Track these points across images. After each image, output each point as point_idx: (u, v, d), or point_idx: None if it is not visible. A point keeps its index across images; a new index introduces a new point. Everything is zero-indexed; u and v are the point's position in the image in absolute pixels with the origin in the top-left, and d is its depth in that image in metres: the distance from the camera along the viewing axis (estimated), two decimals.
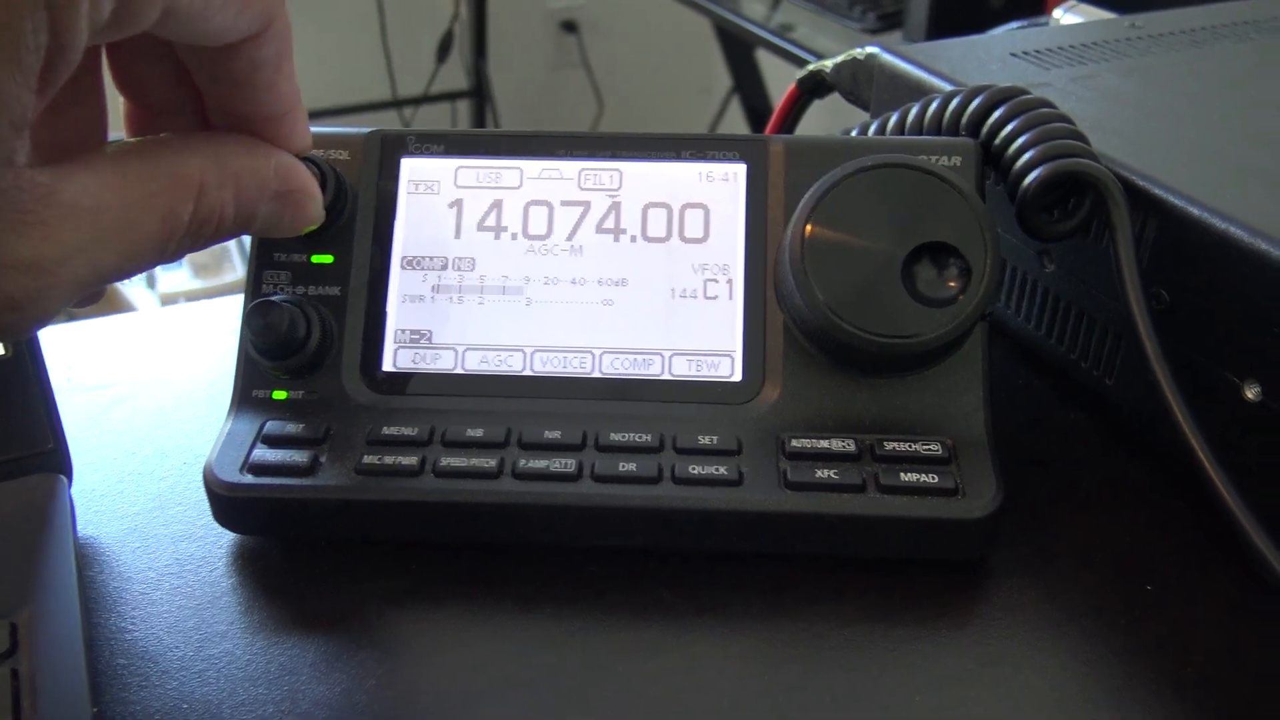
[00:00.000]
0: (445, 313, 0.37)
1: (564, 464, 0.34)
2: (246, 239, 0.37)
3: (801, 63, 1.32)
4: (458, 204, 0.38)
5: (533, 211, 0.38)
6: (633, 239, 0.37)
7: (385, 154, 0.38)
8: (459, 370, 0.37)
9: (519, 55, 2.35)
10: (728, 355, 0.36)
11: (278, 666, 0.31)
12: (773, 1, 1.45)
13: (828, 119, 0.70)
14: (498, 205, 0.38)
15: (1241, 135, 0.40)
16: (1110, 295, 0.38)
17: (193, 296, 1.69)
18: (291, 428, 0.35)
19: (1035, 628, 0.32)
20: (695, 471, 0.33)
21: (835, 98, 0.55)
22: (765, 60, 1.74)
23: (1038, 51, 0.48)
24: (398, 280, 0.37)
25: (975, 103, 0.38)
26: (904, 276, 0.34)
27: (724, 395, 0.36)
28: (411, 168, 0.38)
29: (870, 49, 0.49)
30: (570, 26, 2.39)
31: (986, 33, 0.56)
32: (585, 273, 0.37)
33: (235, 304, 0.39)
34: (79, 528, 0.35)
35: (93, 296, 0.29)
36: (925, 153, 0.37)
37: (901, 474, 0.33)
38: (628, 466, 0.34)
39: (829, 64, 0.52)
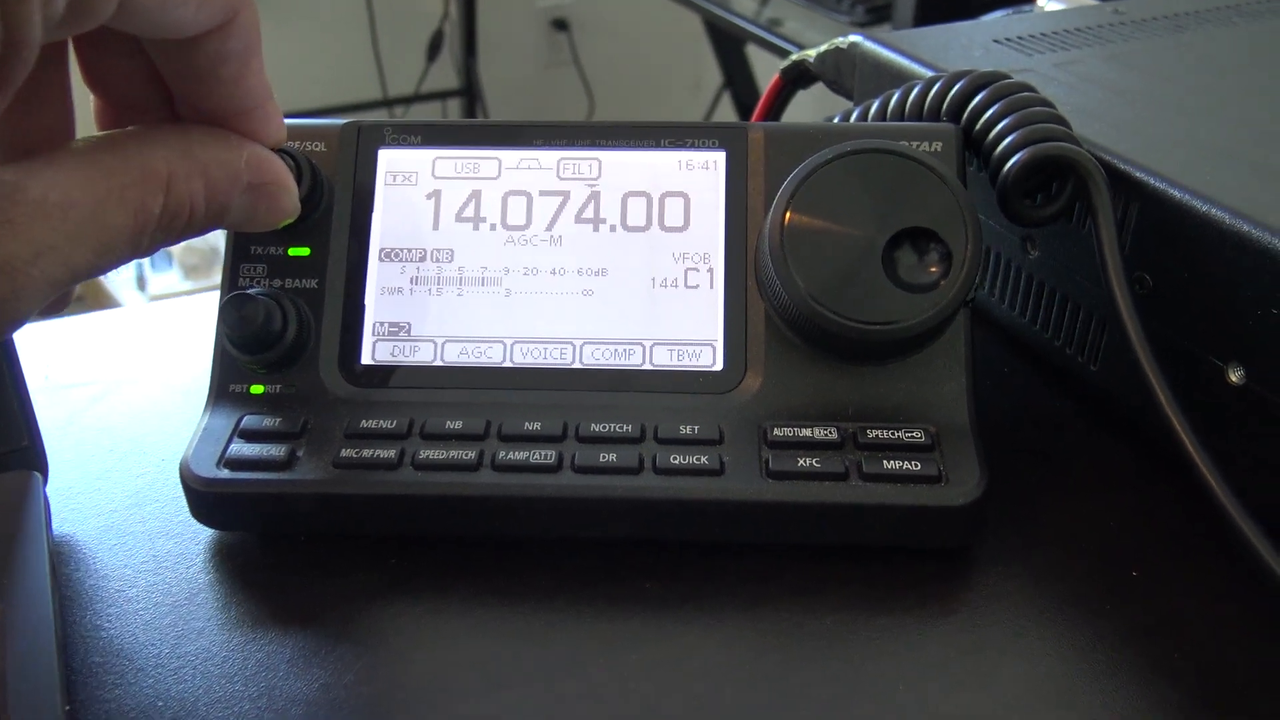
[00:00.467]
0: (424, 305, 0.37)
1: (544, 455, 0.33)
2: None
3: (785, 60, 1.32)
4: (435, 195, 0.38)
5: (511, 202, 0.37)
6: (612, 228, 0.37)
7: (362, 145, 0.38)
8: (438, 362, 0.36)
9: (509, 54, 2.34)
10: (709, 345, 0.36)
11: (255, 663, 0.30)
12: None
13: (814, 111, 0.70)
14: (476, 196, 0.38)
15: (1224, 120, 0.39)
16: (1093, 280, 0.37)
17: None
18: (269, 422, 0.35)
19: (1020, 615, 0.32)
20: (677, 461, 0.33)
21: (820, 88, 0.55)
22: (756, 55, 1.74)
23: (1020, 38, 0.48)
24: (376, 272, 0.37)
25: (956, 88, 0.38)
26: (885, 263, 0.34)
27: (705, 385, 0.35)
28: (389, 159, 0.38)
29: (853, 38, 0.49)
30: (561, 24, 2.38)
31: (969, 21, 0.55)
32: (565, 263, 0.37)
33: (213, 300, 0.39)
34: (54, 525, 0.35)
35: (60, 301, 0.28)
36: (906, 138, 0.36)
37: (884, 461, 0.33)
38: (609, 457, 0.33)
39: (812, 54, 0.52)
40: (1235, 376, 0.33)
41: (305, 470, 0.33)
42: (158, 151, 0.26)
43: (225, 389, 0.36)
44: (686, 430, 0.34)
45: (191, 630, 0.31)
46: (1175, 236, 0.34)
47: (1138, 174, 0.35)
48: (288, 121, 0.32)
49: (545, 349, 0.36)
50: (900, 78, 0.45)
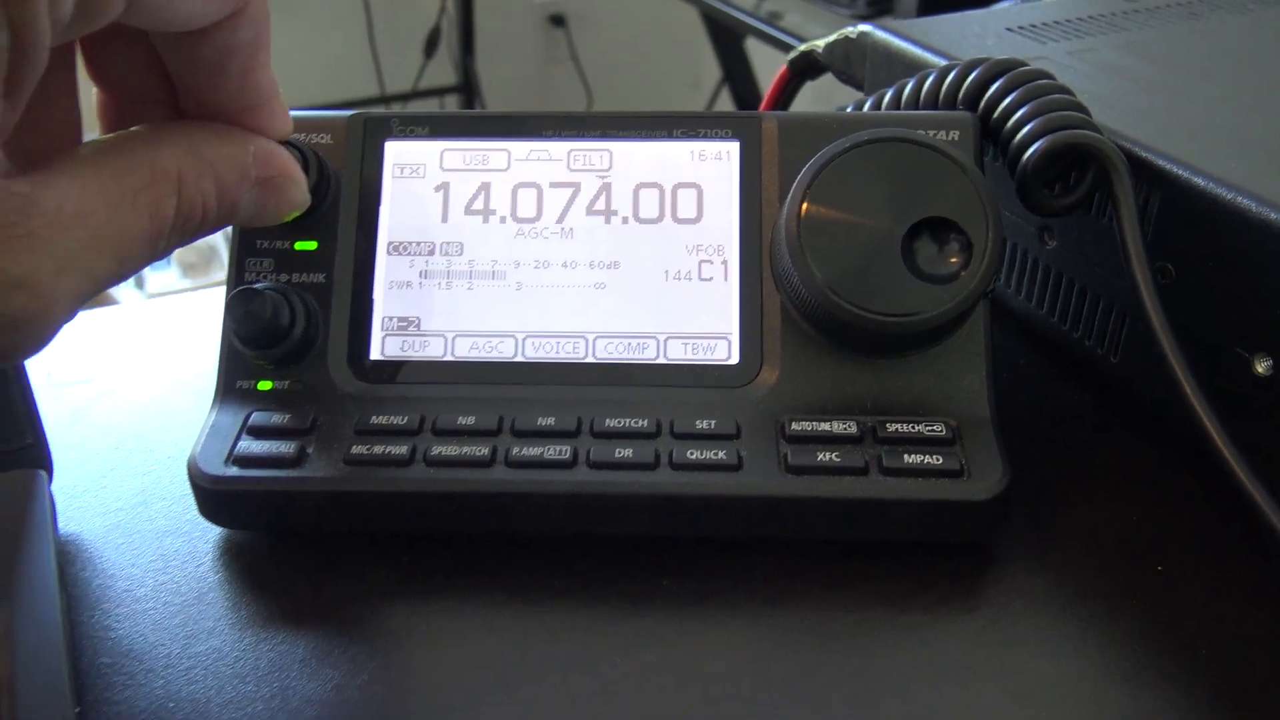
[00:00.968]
0: (433, 299, 0.36)
1: (558, 451, 0.33)
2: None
3: (792, 51, 1.32)
4: (444, 187, 0.37)
5: (521, 194, 0.37)
6: (624, 220, 0.37)
7: (368, 137, 0.37)
8: (449, 357, 0.36)
9: (507, 50, 2.34)
10: (724, 338, 0.35)
11: (267, 663, 0.30)
12: None
13: (820, 104, 0.69)
14: (485, 188, 0.37)
15: (1244, 107, 0.39)
16: (1114, 271, 0.37)
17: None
18: (277, 418, 0.34)
19: (1045, 611, 0.31)
20: (693, 456, 0.33)
21: (826, 80, 0.54)
22: (755, 50, 1.73)
23: (1033, 26, 0.47)
24: (384, 266, 0.36)
25: (972, 76, 0.37)
26: (904, 253, 0.33)
27: (721, 378, 0.35)
28: (396, 151, 0.37)
29: (863, 27, 0.49)
30: (558, 20, 2.37)
31: (980, 9, 0.55)
32: (576, 256, 0.36)
33: (218, 296, 0.38)
34: (60, 525, 0.34)
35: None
36: (923, 127, 0.36)
37: (905, 456, 0.32)
38: (624, 453, 0.33)
39: (821, 44, 0.52)
40: (1262, 367, 0.32)
41: (315, 467, 0.33)
42: (165, 151, 0.26)
43: (232, 385, 0.35)
44: (703, 425, 0.34)
45: (202, 630, 0.31)
46: (1199, 225, 0.34)
47: (1159, 162, 0.35)
48: (293, 113, 0.31)
49: (557, 343, 0.36)
50: (912, 67, 0.44)
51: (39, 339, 0.23)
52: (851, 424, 0.34)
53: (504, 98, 2.32)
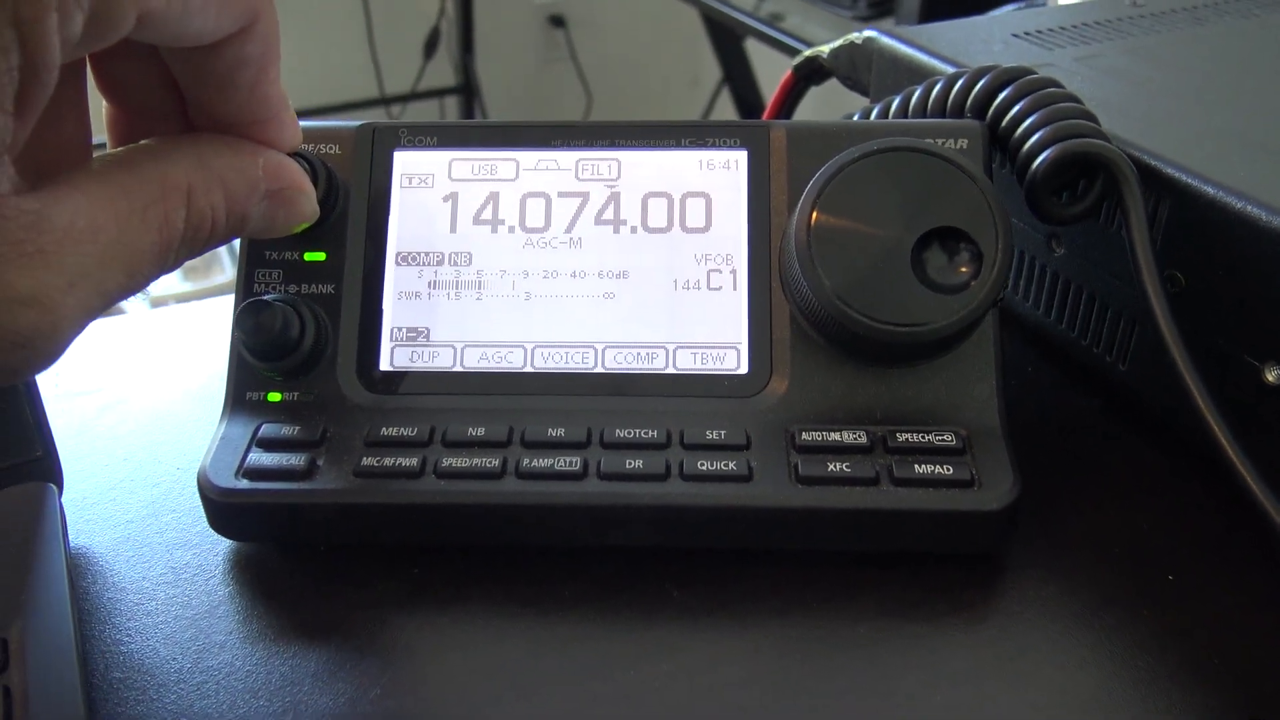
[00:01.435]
0: (442, 309, 0.36)
1: (569, 462, 0.33)
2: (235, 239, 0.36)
3: (793, 52, 1.31)
4: (452, 197, 0.37)
5: (530, 203, 0.37)
6: (633, 230, 0.37)
7: (377, 147, 0.37)
8: (458, 368, 0.36)
9: (507, 51, 2.33)
10: (733, 347, 0.35)
11: (279, 677, 0.30)
12: None
13: (823, 109, 0.69)
14: (494, 198, 0.37)
15: (1252, 113, 0.39)
16: (1122, 278, 0.37)
17: (183, 299, 1.67)
18: (287, 430, 0.34)
19: (1056, 621, 0.31)
20: (704, 467, 0.33)
21: (831, 85, 0.54)
22: (755, 50, 1.73)
23: (1039, 32, 0.47)
24: (393, 277, 0.36)
25: (981, 84, 0.37)
26: (914, 263, 0.33)
27: (731, 388, 0.35)
28: (404, 161, 0.37)
29: (868, 33, 0.49)
30: (558, 21, 2.37)
31: (985, 15, 0.55)
32: (585, 265, 0.36)
33: (226, 305, 0.39)
34: (70, 538, 0.34)
35: None
36: (931, 136, 0.36)
37: (915, 466, 0.32)
38: (634, 463, 0.33)
39: (826, 49, 0.51)
40: (1272, 376, 0.32)
41: (326, 480, 0.33)
42: (175, 165, 0.26)
43: (242, 397, 0.35)
44: (713, 435, 0.34)
45: (213, 644, 0.31)
46: (1208, 233, 0.34)
47: (1168, 170, 0.35)
48: (302, 124, 0.31)
49: (566, 353, 0.36)
50: (918, 73, 0.44)
51: (49, 355, 0.23)
52: (861, 434, 0.34)
53: (504, 99, 2.32)
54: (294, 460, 0.33)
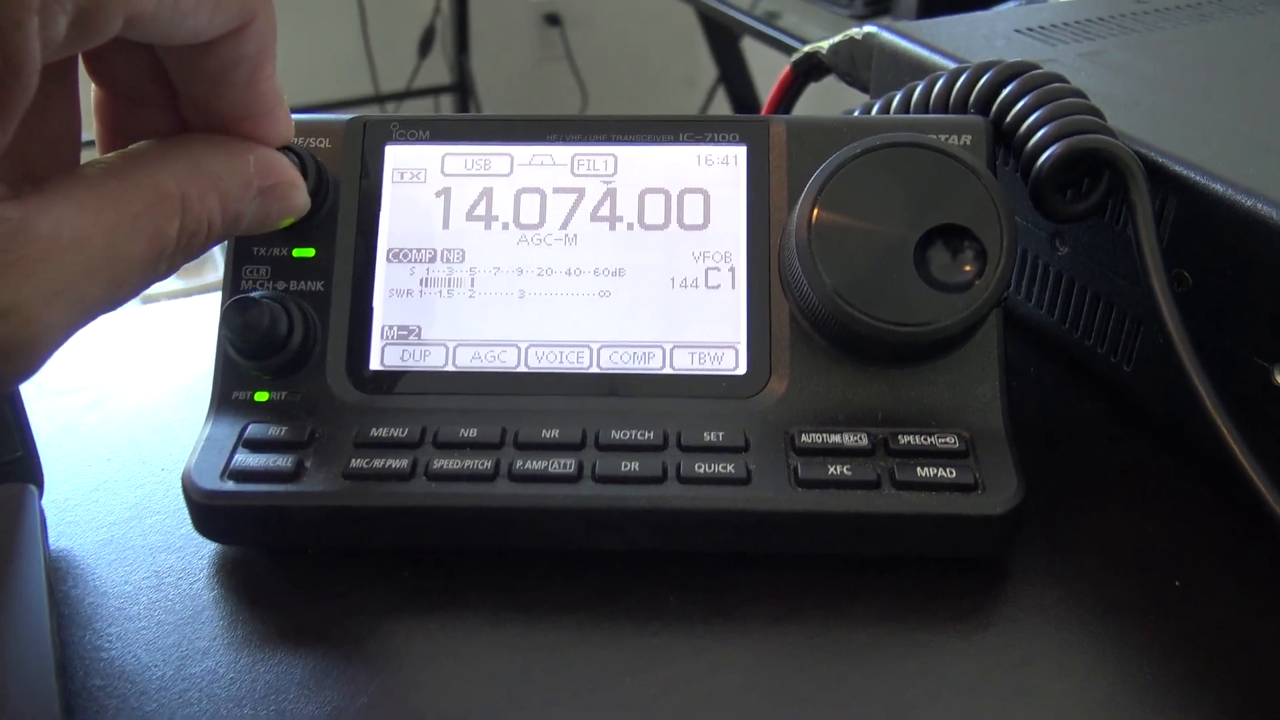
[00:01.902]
0: (434, 307, 0.35)
1: (563, 464, 0.32)
2: None
3: (790, 51, 1.31)
4: (445, 193, 0.36)
5: (524, 199, 0.36)
6: (629, 226, 0.36)
7: (368, 142, 0.36)
8: (450, 367, 0.35)
9: (502, 49, 2.32)
10: (731, 347, 0.35)
11: (264, 685, 0.29)
12: None
13: (822, 105, 0.68)
14: (487, 193, 0.36)
15: (1259, 110, 0.38)
16: (1128, 278, 0.36)
17: (175, 297, 1.66)
18: (274, 431, 0.33)
19: (1060, 628, 0.31)
20: (701, 470, 0.32)
21: (829, 82, 0.54)
22: (751, 49, 1.73)
23: (1042, 28, 0.46)
24: (384, 274, 0.35)
25: (984, 79, 0.37)
26: (916, 261, 0.32)
27: (729, 389, 0.34)
28: (396, 155, 0.36)
29: (869, 28, 0.48)
30: (553, 19, 2.36)
31: (988, 10, 0.54)
32: (581, 263, 0.35)
33: (214, 302, 0.38)
34: (50, 540, 0.34)
35: None
36: (934, 132, 0.35)
37: (918, 469, 0.32)
38: (630, 466, 0.32)
39: (825, 45, 0.51)
40: None
41: (313, 482, 0.32)
42: (168, 171, 0.26)
43: (228, 396, 0.34)
44: (710, 437, 0.33)
45: (196, 650, 0.30)
46: (1216, 232, 0.33)
47: (1176, 167, 0.34)
48: (293, 117, 0.31)
49: (561, 352, 0.35)
50: (919, 69, 0.44)
51: (28, 367, 0.23)
52: (862, 436, 0.33)
53: (499, 97, 2.31)
54: (281, 462, 0.32)
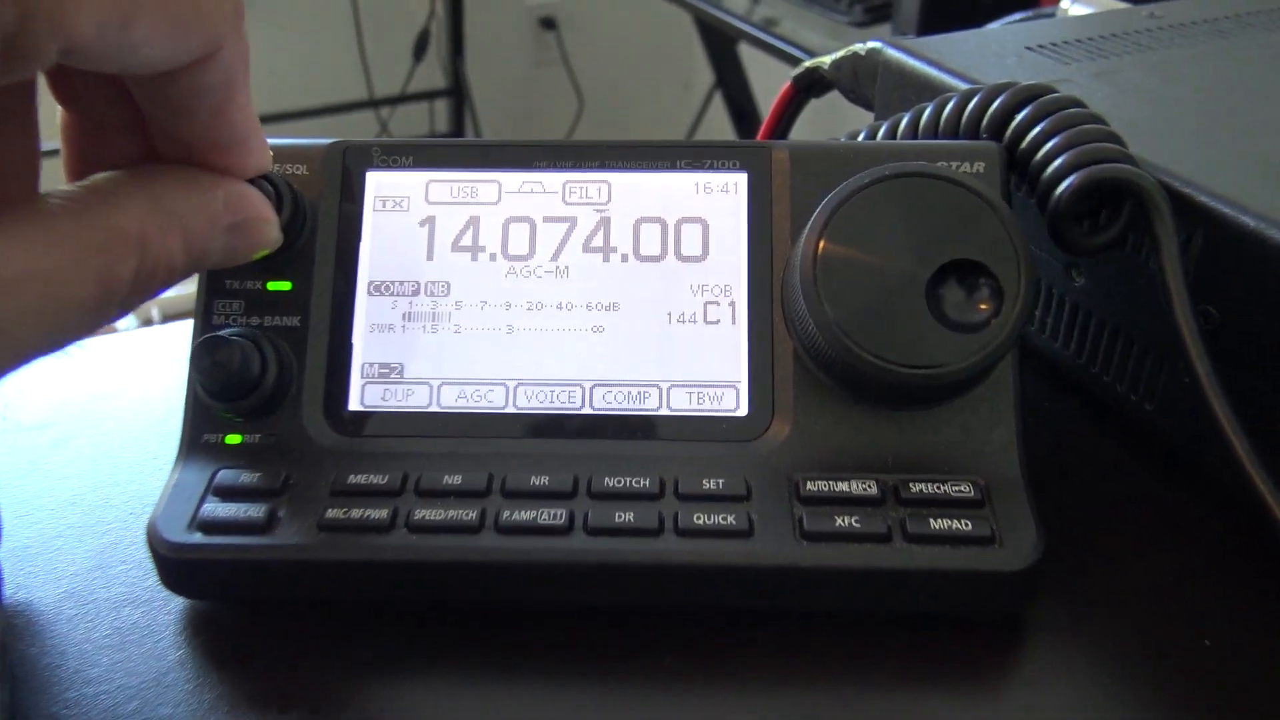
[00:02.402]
0: (418, 344, 0.33)
1: (553, 515, 0.30)
2: None
3: (786, 57, 1.29)
4: (429, 222, 0.34)
5: (513, 229, 0.34)
6: (624, 258, 0.34)
7: (348, 168, 0.34)
8: (434, 408, 0.33)
9: (497, 53, 2.30)
10: (732, 386, 0.33)
11: None
12: None
13: (823, 121, 0.66)
14: (474, 223, 0.34)
15: None
16: (1149, 312, 0.34)
17: (167, 307, 1.64)
18: (246, 477, 0.31)
19: (1081, 692, 0.29)
20: (700, 521, 0.30)
21: (832, 97, 0.52)
22: (748, 55, 1.71)
23: (1053, 45, 0.45)
24: (364, 308, 0.34)
25: (997, 102, 0.35)
26: (929, 299, 0.30)
27: (729, 432, 0.32)
28: (377, 182, 0.34)
29: (873, 44, 0.46)
30: (549, 23, 2.35)
31: (996, 23, 0.52)
32: (572, 297, 0.34)
33: (188, 329, 0.36)
34: (7, 593, 0.32)
35: None
36: (944, 158, 0.33)
37: (931, 520, 0.30)
38: (625, 517, 0.30)
39: (827, 60, 0.49)
40: None
41: (287, 534, 0.30)
42: (126, 209, 0.24)
43: (198, 439, 0.32)
44: (710, 485, 0.31)
45: (159, 718, 0.28)
46: (1246, 267, 0.31)
47: (1202, 198, 0.32)
48: (269, 142, 0.29)
49: (552, 392, 0.33)
50: (927, 88, 0.42)
51: None
52: (871, 483, 0.31)
53: (494, 101, 2.29)
54: (252, 512, 0.30)
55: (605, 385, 0.33)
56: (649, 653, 0.30)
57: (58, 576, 0.33)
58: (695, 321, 0.33)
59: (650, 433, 0.32)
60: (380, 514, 0.30)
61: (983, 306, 0.30)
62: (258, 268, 0.33)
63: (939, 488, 0.31)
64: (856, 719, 0.28)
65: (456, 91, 2.24)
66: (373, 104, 2.21)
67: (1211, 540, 0.34)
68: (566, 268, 0.34)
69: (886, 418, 0.32)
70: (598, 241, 0.34)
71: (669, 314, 0.33)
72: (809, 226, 0.31)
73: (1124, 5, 0.53)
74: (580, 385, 0.33)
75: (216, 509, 0.30)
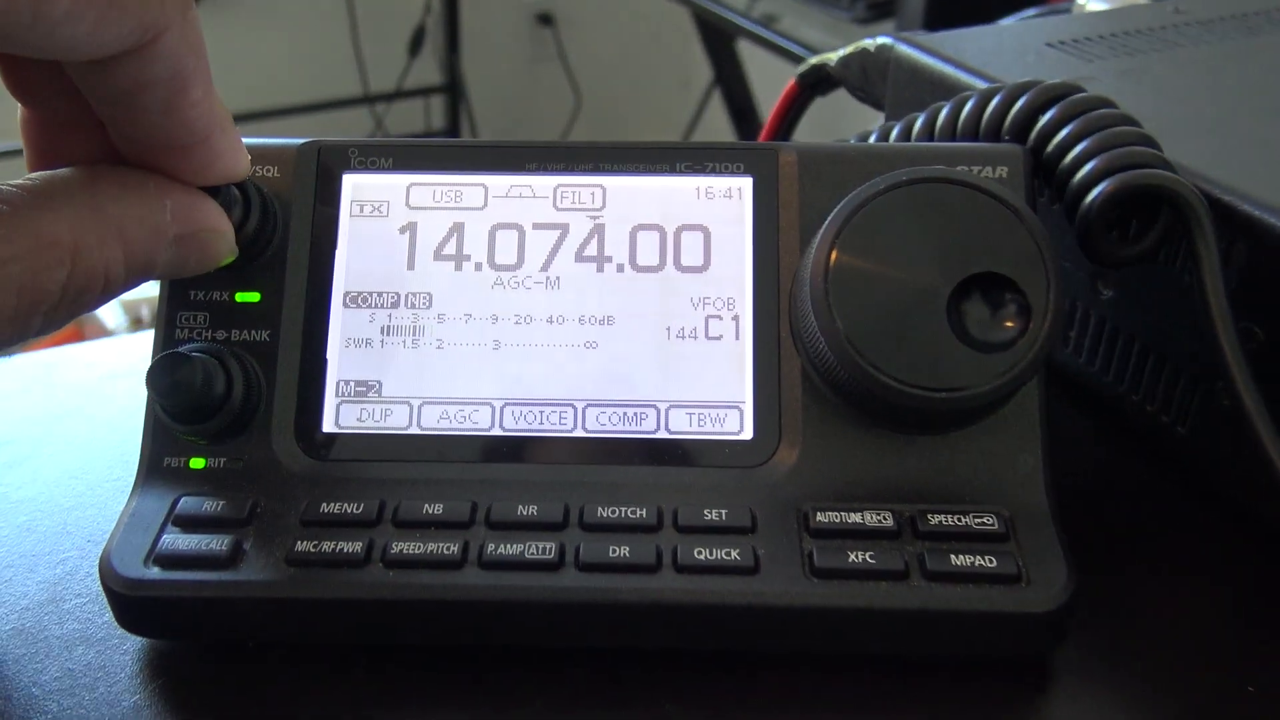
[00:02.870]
0: (397, 360, 0.31)
1: (542, 549, 0.28)
2: None
3: (787, 54, 1.27)
4: (410, 228, 0.32)
5: (500, 237, 0.32)
6: (619, 268, 0.31)
7: (323, 170, 0.32)
8: (414, 429, 0.30)
9: (493, 49, 2.28)
10: (735, 407, 0.30)
11: None
12: None
13: (828, 120, 0.64)
14: (458, 229, 0.32)
15: None
16: (1183, 328, 0.32)
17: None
18: (210, 506, 0.29)
19: None
20: (701, 557, 0.28)
21: (836, 96, 0.49)
22: (747, 51, 1.68)
23: (1075, 41, 0.42)
24: (339, 321, 0.31)
25: (1021, 102, 0.33)
26: (950, 315, 0.28)
27: (732, 457, 0.30)
28: (355, 186, 0.32)
29: (883, 39, 0.44)
30: (546, 19, 2.32)
31: (1011, 18, 0.50)
32: (564, 309, 0.31)
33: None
34: None
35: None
36: (965, 162, 0.31)
37: (951, 556, 0.27)
38: (619, 551, 0.28)
39: (834, 57, 0.46)
40: None
41: (253, 569, 0.28)
42: (61, 215, 0.22)
43: (158, 463, 0.30)
44: (712, 515, 0.29)
45: None
46: None
47: (1245, 207, 0.30)
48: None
49: (541, 412, 0.30)
50: (941, 87, 0.39)
51: None
52: (886, 514, 0.29)
53: (490, 98, 2.26)
54: (215, 544, 0.28)
55: (599, 406, 0.30)
56: (647, 699, 0.28)
57: (6, 611, 0.30)
58: (696, 337, 0.31)
59: (647, 458, 0.30)
60: (354, 547, 0.28)
61: (1009, 324, 0.28)
62: (225, 277, 0.31)
63: (959, 520, 0.28)
64: None
65: (452, 88, 2.21)
66: (367, 100, 2.19)
67: (1252, 577, 0.31)
68: (558, 278, 0.31)
69: (903, 443, 0.30)
70: (591, 250, 0.32)
71: (668, 329, 0.31)
72: (820, 235, 0.29)
73: (1145, 0, 0.51)
74: (572, 405, 0.31)
75: (177, 541, 0.28)
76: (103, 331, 1.62)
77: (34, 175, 0.24)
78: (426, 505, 0.29)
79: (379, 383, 0.31)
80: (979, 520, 0.28)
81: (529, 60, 2.35)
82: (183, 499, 0.29)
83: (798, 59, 1.22)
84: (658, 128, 2.29)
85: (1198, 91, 0.37)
